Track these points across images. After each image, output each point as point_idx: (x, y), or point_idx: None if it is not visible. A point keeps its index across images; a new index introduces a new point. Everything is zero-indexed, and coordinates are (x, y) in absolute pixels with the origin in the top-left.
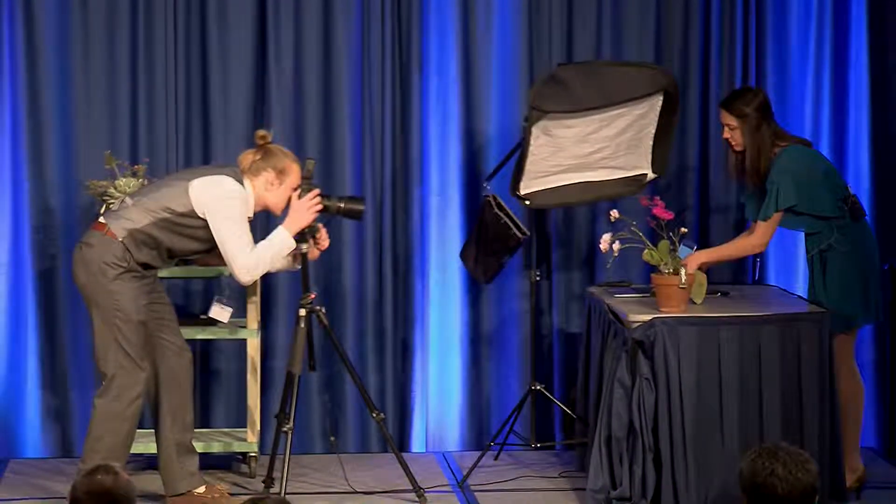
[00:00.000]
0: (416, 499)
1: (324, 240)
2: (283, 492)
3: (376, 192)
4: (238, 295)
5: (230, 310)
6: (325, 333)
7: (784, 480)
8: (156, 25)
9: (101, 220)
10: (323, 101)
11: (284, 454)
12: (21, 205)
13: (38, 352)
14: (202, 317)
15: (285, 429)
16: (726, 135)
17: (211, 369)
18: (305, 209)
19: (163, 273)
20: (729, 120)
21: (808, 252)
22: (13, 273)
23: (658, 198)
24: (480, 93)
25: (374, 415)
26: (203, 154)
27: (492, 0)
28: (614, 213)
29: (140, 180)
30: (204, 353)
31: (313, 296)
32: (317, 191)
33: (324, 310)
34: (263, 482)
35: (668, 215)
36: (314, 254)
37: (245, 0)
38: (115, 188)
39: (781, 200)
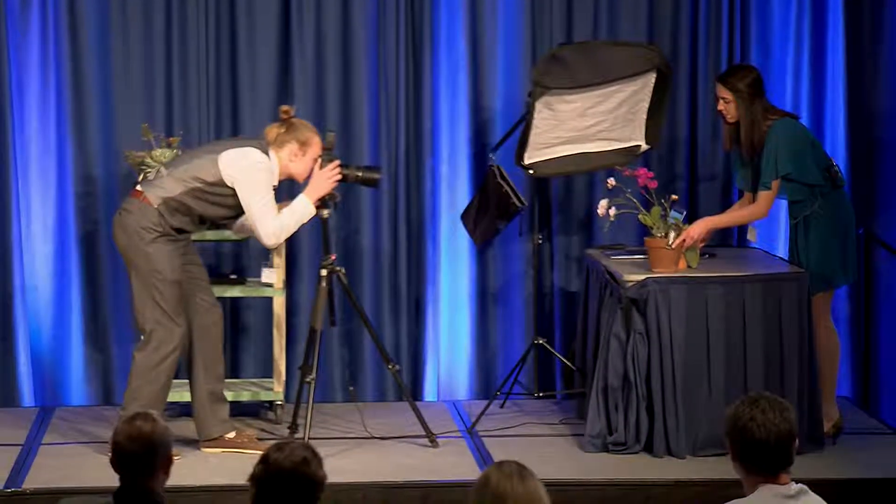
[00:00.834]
0: (429, 443)
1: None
2: (306, 437)
3: (391, 161)
4: (264, 257)
5: (276, 270)
6: (345, 292)
7: (762, 426)
8: (188, 7)
9: (139, 188)
10: (342, 78)
11: (308, 403)
12: (66, 173)
13: (82, 309)
14: (232, 276)
15: (308, 379)
16: (721, 107)
17: (240, 325)
18: (325, 179)
19: (195, 236)
20: (724, 93)
21: (793, 217)
22: (58, 236)
23: (644, 169)
24: (487, 71)
25: (390, 366)
26: (232, 127)
27: None
28: (611, 182)
29: (174, 151)
30: (234, 310)
31: (334, 257)
32: (337, 162)
33: (343, 270)
34: (288, 428)
35: (652, 184)
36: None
37: None
38: (152, 158)
39: (780, 168)
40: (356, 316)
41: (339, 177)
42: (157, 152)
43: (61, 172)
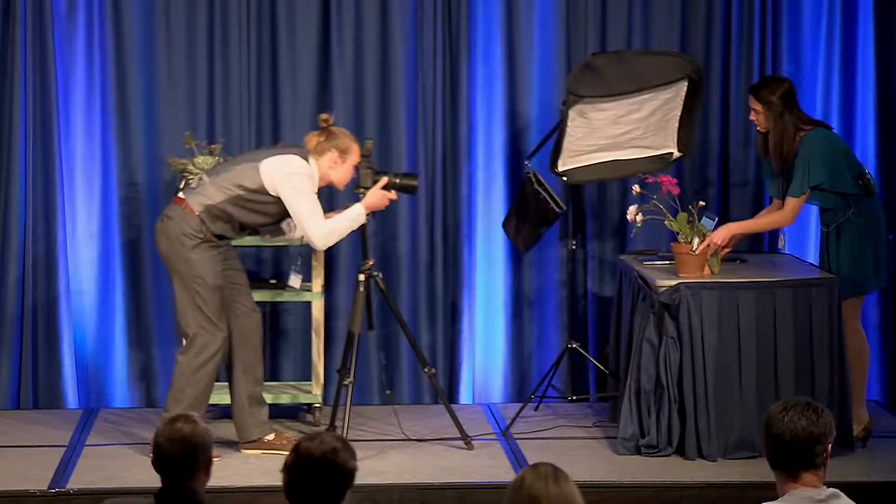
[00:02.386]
0: (464, 445)
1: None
2: None
3: (428, 168)
4: (305, 262)
5: (301, 276)
6: (382, 296)
7: (782, 422)
8: (230, 16)
9: (181, 195)
10: (380, 87)
11: (346, 405)
12: (110, 180)
13: (125, 313)
14: (271, 281)
15: (346, 382)
16: (752, 117)
17: (279, 328)
18: (383, 195)
19: (236, 242)
20: (755, 105)
21: (826, 225)
22: (103, 241)
23: (669, 177)
24: (522, 79)
25: (426, 370)
26: (272, 135)
27: None
28: (636, 188)
29: (216, 158)
30: (273, 314)
31: (371, 262)
32: (385, 180)
33: (381, 275)
34: (326, 430)
35: (675, 190)
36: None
37: None
38: (194, 165)
39: (812, 178)
40: (393, 320)
41: (395, 197)
42: (199, 159)
43: (105, 179)
